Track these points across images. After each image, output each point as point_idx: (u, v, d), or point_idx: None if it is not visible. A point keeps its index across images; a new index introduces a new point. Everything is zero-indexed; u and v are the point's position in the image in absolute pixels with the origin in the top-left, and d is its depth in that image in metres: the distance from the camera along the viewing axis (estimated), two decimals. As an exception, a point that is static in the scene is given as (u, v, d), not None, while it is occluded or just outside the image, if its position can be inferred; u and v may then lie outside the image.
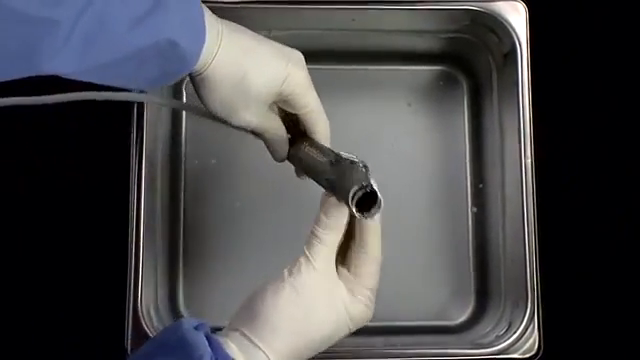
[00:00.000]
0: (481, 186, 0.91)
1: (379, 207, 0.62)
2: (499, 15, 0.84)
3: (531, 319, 0.80)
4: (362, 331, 0.84)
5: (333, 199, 0.64)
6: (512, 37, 0.84)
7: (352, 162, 0.64)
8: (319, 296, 0.62)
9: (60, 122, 0.91)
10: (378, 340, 0.85)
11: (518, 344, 0.80)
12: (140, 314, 0.78)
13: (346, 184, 0.62)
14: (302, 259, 0.63)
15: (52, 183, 0.91)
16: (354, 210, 0.62)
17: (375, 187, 0.62)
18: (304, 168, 0.70)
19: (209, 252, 0.89)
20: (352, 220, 0.65)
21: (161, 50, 0.61)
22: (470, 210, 0.91)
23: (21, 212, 0.90)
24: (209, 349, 0.57)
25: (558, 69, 0.95)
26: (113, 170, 0.84)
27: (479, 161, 0.92)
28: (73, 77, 0.60)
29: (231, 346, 0.60)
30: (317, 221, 0.64)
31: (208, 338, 0.58)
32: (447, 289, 0.90)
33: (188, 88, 0.91)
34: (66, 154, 0.92)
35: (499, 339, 0.81)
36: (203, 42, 0.63)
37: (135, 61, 0.61)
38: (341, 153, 0.66)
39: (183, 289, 0.89)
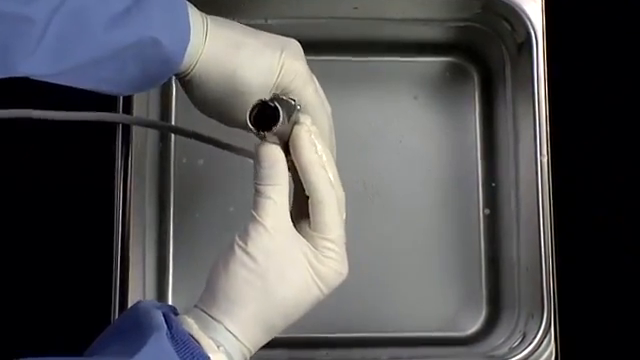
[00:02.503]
0: (494, 185, 0.91)
1: (277, 120, 0.58)
2: (513, 2, 0.84)
3: (547, 330, 0.80)
4: (365, 343, 0.87)
5: (263, 143, 0.61)
6: (527, 26, 0.84)
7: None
8: (275, 256, 0.59)
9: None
10: (382, 352, 0.85)
11: (533, 357, 0.79)
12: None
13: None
14: (249, 221, 0.60)
15: (34, 180, 0.92)
16: (250, 125, 0.58)
17: (278, 105, 0.58)
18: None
19: (200, 259, 0.88)
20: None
21: (143, 50, 0.60)
22: (482, 212, 0.91)
23: (6, 218, 0.91)
24: (165, 325, 0.56)
25: (576, 60, 0.94)
26: (97, 171, 0.84)
27: (491, 159, 0.91)
28: (50, 80, 0.60)
29: (189, 322, 0.59)
30: (255, 175, 0.61)
31: (165, 315, 0.57)
32: (456, 297, 0.89)
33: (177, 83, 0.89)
34: (49, 149, 0.92)
35: (513, 351, 0.80)
36: (187, 40, 0.62)
37: (115, 62, 0.60)
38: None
39: (172, 298, 0.88)
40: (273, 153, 0.60)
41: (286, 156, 0.61)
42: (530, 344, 0.80)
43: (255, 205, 0.60)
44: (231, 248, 0.60)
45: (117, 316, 0.78)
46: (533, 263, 0.81)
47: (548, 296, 0.80)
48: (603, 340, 0.91)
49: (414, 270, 0.89)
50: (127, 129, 0.80)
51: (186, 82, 0.65)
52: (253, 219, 0.60)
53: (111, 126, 0.80)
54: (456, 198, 0.90)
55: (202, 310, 0.60)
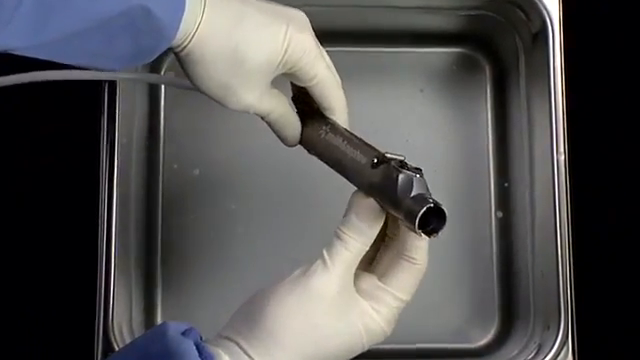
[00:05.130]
0: (507, 185, 0.90)
1: (443, 224, 0.59)
2: (527, -11, 0.86)
3: (564, 341, 0.79)
4: (369, 355, 0.86)
5: (370, 201, 0.61)
6: (542, 15, 0.84)
7: (402, 166, 0.61)
8: (333, 307, 0.59)
9: (19, 112, 0.93)
10: (388, 366, 0.83)
11: (549, 370, 0.80)
12: (111, 334, 0.78)
13: (401, 197, 0.59)
14: (319, 262, 0.60)
15: (17, 186, 0.93)
16: (420, 232, 0.58)
17: (438, 201, 0.59)
18: (326, 159, 0.68)
19: (191, 263, 0.88)
20: (388, 221, 0.63)
21: (132, 20, 0.59)
22: (494, 215, 0.90)
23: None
24: None
25: (595, 51, 0.96)
26: (80, 170, 0.87)
27: (504, 158, 0.91)
28: (31, 54, 0.58)
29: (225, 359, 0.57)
30: (345, 222, 0.61)
31: (198, 347, 0.56)
32: (467, 306, 0.89)
33: (167, 74, 0.90)
34: (27, 150, 0.93)
35: (527, 364, 0.81)
36: (182, 9, 0.60)
37: (102, 33, 0.59)
38: (387, 154, 0.63)
39: (161, 304, 0.88)
40: (377, 215, 0.61)
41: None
42: (546, 356, 0.79)
43: (331, 248, 0.60)
44: (290, 286, 0.59)
45: (101, 332, 0.77)
46: (549, 269, 0.81)
47: (565, 305, 0.79)
48: (624, 351, 0.91)
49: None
50: (112, 127, 0.80)
51: (182, 57, 0.63)
52: (324, 261, 0.60)
53: (96, 127, 0.80)
54: (466, 200, 0.90)
55: (238, 345, 0.58)
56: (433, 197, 0.59)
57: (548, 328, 0.80)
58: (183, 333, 0.57)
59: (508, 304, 0.88)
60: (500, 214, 0.90)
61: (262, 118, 0.68)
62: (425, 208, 0.57)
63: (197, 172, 0.89)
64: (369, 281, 0.62)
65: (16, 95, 0.72)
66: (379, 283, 0.62)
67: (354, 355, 0.61)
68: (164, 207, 0.89)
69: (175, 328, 0.57)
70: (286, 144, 0.70)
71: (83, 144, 0.83)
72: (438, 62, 0.92)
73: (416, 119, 0.91)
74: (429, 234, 0.58)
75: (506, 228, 0.89)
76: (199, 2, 0.62)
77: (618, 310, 0.91)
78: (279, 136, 0.70)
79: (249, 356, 0.58)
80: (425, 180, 0.60)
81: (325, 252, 0.60)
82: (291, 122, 0.69)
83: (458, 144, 0.91)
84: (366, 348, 0.61)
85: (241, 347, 0.58)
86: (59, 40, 0.58)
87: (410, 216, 0.58)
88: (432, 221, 0.58)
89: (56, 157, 0.91)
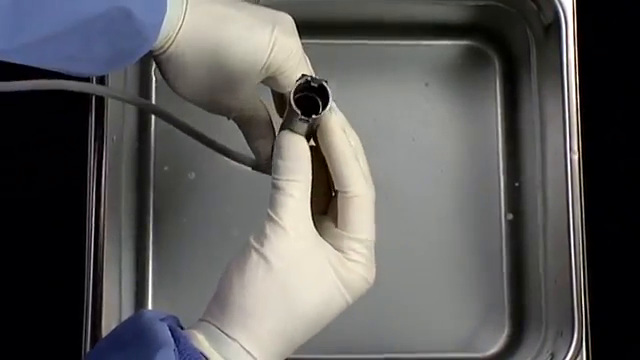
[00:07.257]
0: (517, 185, 0.90)
1: (327, 100, 0.57)
2: (539, -22, 0.85)
3: (578, 350, 0.78)
4: None
5: (286, 133, 0.60)
6: (555, 5, 0.83)
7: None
8: (297, 262, 0.58)
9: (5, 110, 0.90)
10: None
11: (563, 380, 0.79)
12: (99, 336, 0.78)
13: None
14: (266, 221, 0.59)
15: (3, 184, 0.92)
16: (295, 107, 0.56)
17: (324, 83, 0.57)
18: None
19: (184, 265, 0.88)
20: (322, 158, 0.61)
21: (112, 22, 0.58)
22: (504, 217, 0.90)
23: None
24: (172, 339, 0.55)
25: (610, 44, 0.94)
26: (67, 169, 0.86)
27: (514, 156, 0.90)
28: (5, 57, 0.57)
29: (199, 338, 0.57)
30: (274, 169, 0.60)
31: (172, 330, 0.56)
32: (476, 313, 0.88)
33: (158, 73, 0.89)
34: (13, 149, 0.92)
35: (539, 374, 0.81)
36: (164, 11, 0.60)
37: (80, 36, 0.58)
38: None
39: (153, 306, 0.88)
40: (298, 144, 0.59)
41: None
42: (560, 365, 0.80)
43: (273, 203, 0.59)
44: (246, 252, 0.58)
45: (89, 333, 0.78)
46: (561, 273, 0.80)
47: (579, 311, 0.79)
48: (640, 359, 0.90)
49: (427, 283, 0.88)
50: (100, 126, 0.80)
51: (162, 60, 0.63)
52: (270, 219, 0.59)
53: (84, 125, 0.80)
54: (475, 201, 0.89)
55: (212, 324, 0.58)
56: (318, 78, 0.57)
57: (561, 335, 0.80)
58: (161, 320, 0.57)
59: (519, 310, 0.88)
60: (510, 216, 0.89)
61: (239, 126, 0.68)
62: (301, 79, 0.56)
63: (192, 176, 0.89)
64: (330, 230, 0.61)
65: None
66: (337, 230, 0.60)
67: (341, 311, 0.60)
68: (156, 209, 0.89)
69: (151, 313, 0.58)
70: (256, 156, 0.69)
71: (71, 143, 0.82)
72: (444, 55, 0.92)
73: (421, 115, 0.91)
74: (311, 116, 0.57)
75: (516, 230, 0.89)
76: (181, 3, 0.61)
77: (635, 315, 0.90)
78: (253, 147, 0.69)
79: (224, 333, 0.57)
80: (328, 87, 0.58)
81: (269, 209, 0.59)
82: (268, 132, 0.68)
83: (466, 142, 0.90)
84: (351, 302, 0.60)
85: (216, 326, 0.58)
86: (35, 43, 0.57)
87: (290, 99, 0.56)
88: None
89: (43, 156, 0.90)
